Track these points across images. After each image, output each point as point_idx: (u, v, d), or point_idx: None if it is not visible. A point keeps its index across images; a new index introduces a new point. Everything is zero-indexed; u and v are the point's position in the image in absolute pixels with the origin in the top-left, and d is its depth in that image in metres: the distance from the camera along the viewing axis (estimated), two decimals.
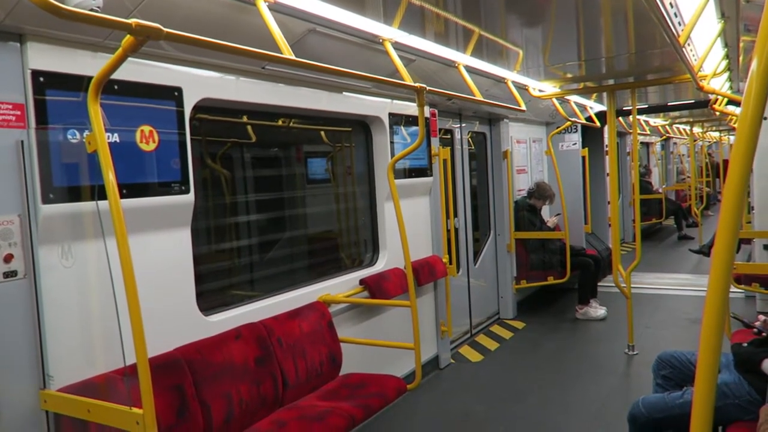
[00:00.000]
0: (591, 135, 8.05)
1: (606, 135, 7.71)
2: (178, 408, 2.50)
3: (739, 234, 0.90)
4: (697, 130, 13.21)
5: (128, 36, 1.73)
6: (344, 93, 3.89)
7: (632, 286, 5.26)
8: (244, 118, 3.69)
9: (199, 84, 2.84)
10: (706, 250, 8.58)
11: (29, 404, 2.19)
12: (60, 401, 2.17)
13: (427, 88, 3.35)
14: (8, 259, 2.12)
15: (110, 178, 1.80)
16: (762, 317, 2.99)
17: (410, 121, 4.52)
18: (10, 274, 2.13)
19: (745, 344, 2.80)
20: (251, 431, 2.80)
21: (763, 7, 0.87)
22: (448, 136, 5.63)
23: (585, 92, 6.23)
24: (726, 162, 15.03)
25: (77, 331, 2.33)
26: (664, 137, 13.40)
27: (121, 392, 2.21)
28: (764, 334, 2.85)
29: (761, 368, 2.62)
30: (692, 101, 7.88)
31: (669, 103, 8.25)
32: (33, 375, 2.20)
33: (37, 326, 2.21)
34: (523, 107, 5.18)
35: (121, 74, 2.29)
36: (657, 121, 11.39)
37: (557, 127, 7.10)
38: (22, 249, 2.16)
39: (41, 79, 2.18)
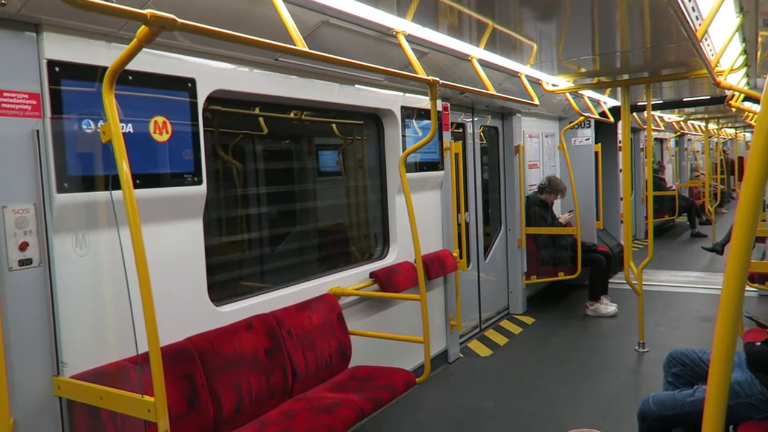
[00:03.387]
0: (604, 130, 7.99)
1: (619, 130, 7.64)
2: (188, 397, 2.53)
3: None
4: (712, 126, 13.06)
5: (143, 27, 1.73)
6: (356, 86, 3.89)
7: (644, 283, 5.22)
8: (257, 110, 3.70)
9: (213, 75, 2.85)
10: (719, 248, 8.50)
11: (43, 390, 2.22)
12: (73, 388, 2.20)
13: (440, 81, 3.34)
14: (23, 247, 2.14)
15: (124, 168, 1.81)
16: None
17: (422, 114, 4.50)
18: (26, 262, 2.16)
19: (758, 343, 2.78)
20: (261, 421, 2.83)
21: None
22: (460, 130, 5.61)
23: (599, 87, 6.17)
24: (741, 159, 14.88)
25: (90, 319, 2.36)
26: (679, 133, 13.26)
27: (133, 380, 2.23)
28: None
29: None
30: (708, 97, 7.78)
31: (684, 99, 8.16)
32: (47, 362, 2.23)
33: (51, 314, 2.23)
34: (536, 102, 5.14)
35: (135, 65, 2.30)
36: (671, 117, 11.27)
37: (570, 122, 7.05)
38: (37, 237, 2.19)
39: (57, 68, 2.20)
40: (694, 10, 2.94)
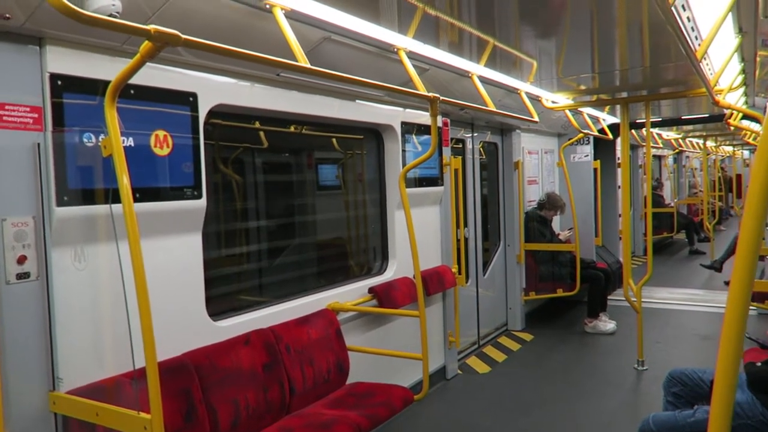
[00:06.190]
0: (603, 147, 8.02)
1: (618, 147, 7.67)
2: (185, 412, 2.50)
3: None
4: (710, 144, 13.11)
5: (146, 42, 1.74)
6: (357, 101, 3.90)
7: (642, 300, 5.21)
8: (257, 124, 3.71)
9: (214, 90, 2.86)
10: (717, 266, 8.49)
11: (38, 405, 2.19)
12: (69, 403, 2.18)
13: (441, 97, 3.35)
14: (22, 260, 2.13)
15: (124, 182, 1.81)
16: None
17: (422, 130, 4.52)
18: (23, 276, 2.14)
19: (759, 363, 2.76)
20: None
21: None
22: (460, 146, 5.63)
23: (598, 104, 6.20)
24: (739, 177, 14.93)
25: (87, 334, 2.34)
26: (677, 151, 13.32)
27: (129, 396, 2.21)
28: None
29: None
30: (707, 115, 7.83)
31: (683, 117, 8.20)
32: (43, 376, 2.21)
33: (48, 328, 2.22)
34: (536, 118, 5.17)
35: (137, 79, 2.30)
36: (670, 134, 11.33)
37: (569, 139, 7.07)
38: (36, 251, 2.17)
39: (59, 82, 2.21)
40: (693, 30, 2.97)
